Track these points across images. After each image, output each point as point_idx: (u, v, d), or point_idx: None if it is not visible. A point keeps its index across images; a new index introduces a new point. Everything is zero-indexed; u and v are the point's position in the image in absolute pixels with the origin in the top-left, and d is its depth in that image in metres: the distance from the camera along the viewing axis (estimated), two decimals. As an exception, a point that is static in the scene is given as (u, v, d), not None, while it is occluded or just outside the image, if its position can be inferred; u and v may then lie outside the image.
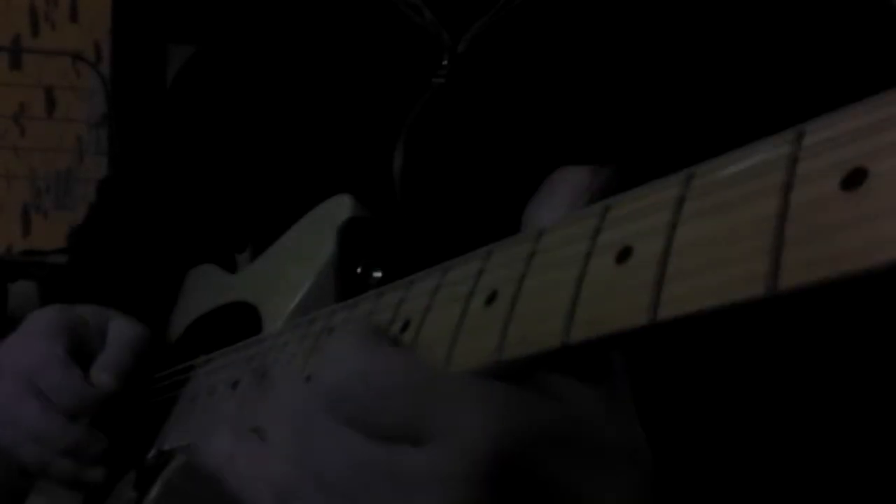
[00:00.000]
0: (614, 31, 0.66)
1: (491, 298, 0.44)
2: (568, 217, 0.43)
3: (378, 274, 0.66)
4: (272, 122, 0.80)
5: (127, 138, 2.75)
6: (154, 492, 0.69)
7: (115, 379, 0.76)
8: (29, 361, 0.76)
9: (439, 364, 0.44)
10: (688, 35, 0.65)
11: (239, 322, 0.73)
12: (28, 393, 0.75)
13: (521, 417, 0.40)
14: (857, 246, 0.28)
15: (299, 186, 0.75)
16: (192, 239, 0.90)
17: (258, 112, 0.82)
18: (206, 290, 0.84)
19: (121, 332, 0.79)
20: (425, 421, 0.40)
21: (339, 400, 0.42)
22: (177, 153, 0.92)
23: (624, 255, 0.38)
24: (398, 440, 0.41)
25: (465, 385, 0.41)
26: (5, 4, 3.58)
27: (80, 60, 3.14)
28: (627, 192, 0.41)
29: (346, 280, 0.66)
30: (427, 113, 0.70)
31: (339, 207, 0.69)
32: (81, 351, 0.78)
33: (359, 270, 0.66)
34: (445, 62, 0.70)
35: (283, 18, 0.83)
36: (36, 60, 3.53)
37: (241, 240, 0.86)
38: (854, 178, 0.29)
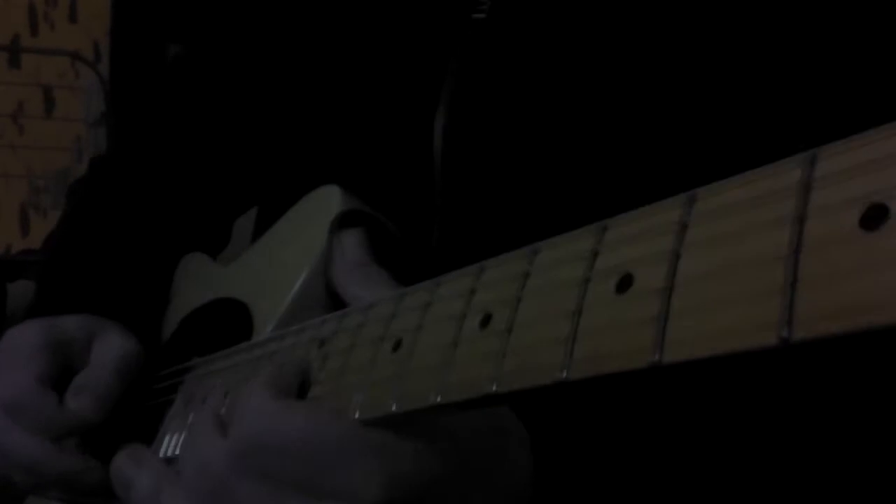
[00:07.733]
0: None
1: (485, 322, 0.43)
2: (562, 237, 0.41)
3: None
4: (300, 90, 0.77)
5: (126, 124, 2.74)
6: None
7: (94, 401, 0.74)
8: (4, 392, 0.74)
9: (432, 395, 0.43)
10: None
11: (230, 320, 0.72)
12: (10, 424, 0.73)
13: (411, 466, 0.46)
14: (881, 295, 0.25)
15: (331, 155, 0.73)
16: (190, 224, 0.88)
17: (283, 81, 0.79)
18: (198, 284, 0.83)
19: (106, 349, 0.77)
20: (323, 476, 0.46)
21: (250, 456, 0.48)
22: (182, 132, 0.90)
23: (624, 283, 0.37)
24: (302, 493, 0.47)
25: (359, 437, 0.46)
26: (4, 4, 3.58)
27: (78, 60, 3.13)
28: (625, 214, 0.39)
29: None
30: (469, 60, 0.65)
31: (329, 200, 0.68)
32: (67, 369, 0.76)
33: None
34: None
35: None
36: (34, 60, 3.53)
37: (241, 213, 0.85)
38: (874, 216, 0.27)
